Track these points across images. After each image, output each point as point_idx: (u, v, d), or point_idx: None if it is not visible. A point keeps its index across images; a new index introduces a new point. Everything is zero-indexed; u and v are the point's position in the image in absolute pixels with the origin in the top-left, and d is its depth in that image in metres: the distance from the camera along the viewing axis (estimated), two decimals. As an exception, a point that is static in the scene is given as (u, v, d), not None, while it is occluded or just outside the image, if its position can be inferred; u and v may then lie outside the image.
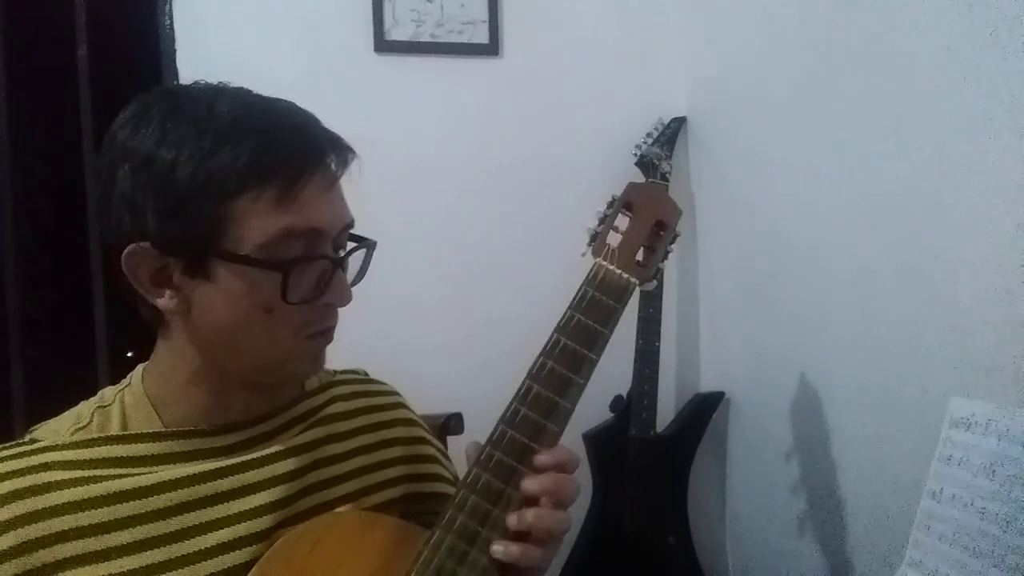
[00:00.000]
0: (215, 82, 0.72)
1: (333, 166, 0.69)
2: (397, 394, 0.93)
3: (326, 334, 0.73)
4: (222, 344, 0.69)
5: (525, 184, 1.79)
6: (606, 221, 0.77)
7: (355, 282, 0.76)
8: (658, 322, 1.68)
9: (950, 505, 0.77)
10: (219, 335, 0.69)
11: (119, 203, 0.67)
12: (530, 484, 0.68)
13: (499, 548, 0.67)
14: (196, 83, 0.71)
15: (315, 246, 0.68)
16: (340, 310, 0.76)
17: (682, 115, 1.83)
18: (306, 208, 0.67)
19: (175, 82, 1.61)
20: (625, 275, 0.74)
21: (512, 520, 0.67)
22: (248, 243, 0.65)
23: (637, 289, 0.75)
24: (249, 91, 0.72)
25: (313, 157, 0.68)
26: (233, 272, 0.66)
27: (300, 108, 0.72)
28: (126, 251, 0.67)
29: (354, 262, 0.76)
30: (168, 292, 0.68)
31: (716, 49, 1.74)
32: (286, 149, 0.66)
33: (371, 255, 0.77)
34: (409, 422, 0.90)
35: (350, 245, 0.75)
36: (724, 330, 1.78)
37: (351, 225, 0.73)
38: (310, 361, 0.73)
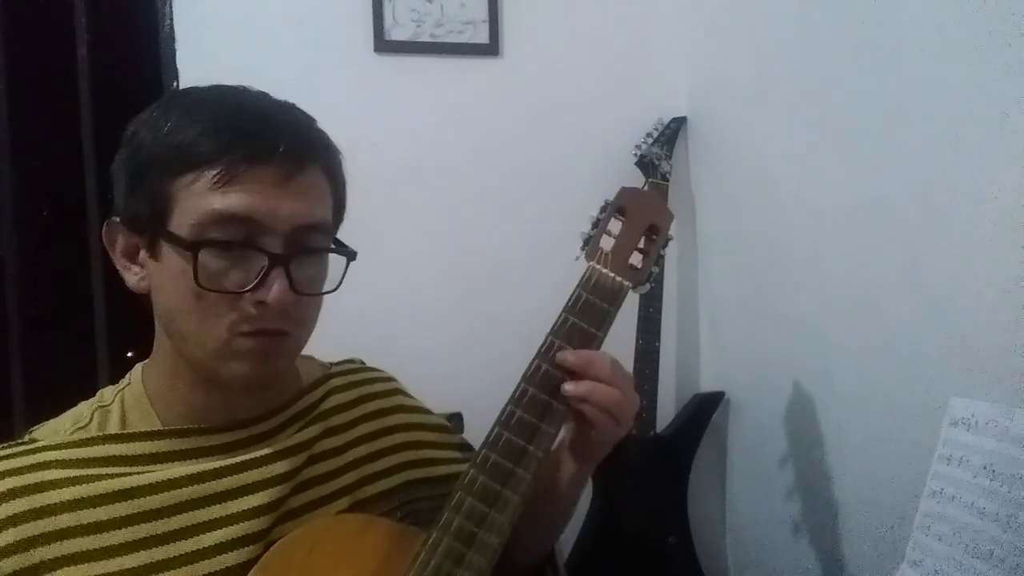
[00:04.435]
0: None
1: (288, 161, 0.67)
2: (393, 380, 0.93)
3: (269, 338, 0.68)
4: (170, 330, 0.70)
5: (525, 183, 1.79)
6: (599, 225, 0.77)
7: (331, 291, 0.73)
8: (658, 322, 1.68)
9: (950, 505, 0.77)
10: (169, 320, 0.69)
11: (112, 181, 0.71)
12: (566, 355, 0.72)
13: (569, 387, 0.71)
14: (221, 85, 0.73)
15: (255, 238, 0.66)
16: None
17: (682, 115, 1.82)
18: (243, 196, 0.65)
19: (175, 82, 1.62)
20: (618, 278, 0.75)
21: (568, 387, 0.71)
22: (184, 224, 0.66)
23: (631, 292, 0.75)
24: (259, 92, 0.72)
25: (261, 147, 0.66)
26: (174, 252, 0.67)
27: (284, 105, 0.72)
28: (104, 224, 0.71)
29: (334, 271, 0.73)
30: (135, 268, 0.71)
31: (716, 49, 1.74)
32: (233, 135, 0.66)
33: (348, 266, 0.74)
34: (407, 408, 0.90)
35: (316, 248, 0.71)
36: (724, 330, 1.78)
37: (317, 226, 0.70)
38: (247, 363, 0.68)
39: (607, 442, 0.75)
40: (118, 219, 0.70)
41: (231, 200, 0.65)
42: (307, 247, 0.70)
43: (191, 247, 0.64)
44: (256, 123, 0.67)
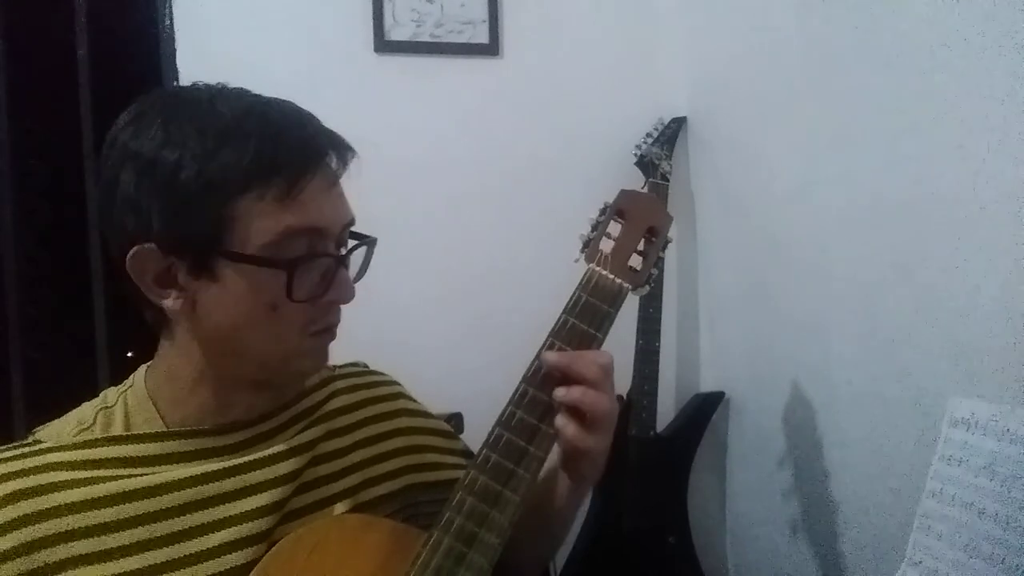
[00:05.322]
0: (214, 83, 0.72)
1: (333, 165, 0.70)
2: (397, 384, 0.94)
3: (331, 331, 0.74)
4: (227, 343, 0.70)
5: (525, 184, 1.79)
6: (598, 228, 0.77)
7: (357, 279, 0.76)
8: (658, 322, 1.68)
9: (950, 505, 0.77)
10: (225, 335, 0.69)
11: (123, 206, 0.67)
12: (549, 356, 0.71)
13: (561, 420, 0.70)
14: (195, 84, 0.72)
15: (318, 244, 0.69)
16: (341, 309, 0.76)
17: (682, 115, 1.83)
18: (308, 207, 0.67)
19: (175, 82, 1.62)
20: (618, 280, 0.75)
21: (559, 392, 0.70)
22: (252, 243, 0.66)
23: (630, 294, 0.75)
24: (246, 91, 0.72)
25: (314, 156, 0.68)
26: (238, 272, 0.67)
27: (299, 108, 0.72)
28: (131, 253, 0.67)
29: (355, 260, 0.77)
30: (173, 293, 0.69)
31: (716, 49, 1.74)
32: (287, 149, 0.67)
33: (372, 252, 0.78)
34: (411, 412, 0.90)
35: (352, 243, 0.75)
36: (724, 330, 1.78)
37: (352, 223, 0.74)
38: (315, 358, 0.74)
39: (593, 451, 0.71)
40: (152, 244, 0.66)
41: (302, 215, 0.67)
42: (346, 243, 0.74)
43: (287, 265, 0.66)
44: (299, 134, 0.69)
